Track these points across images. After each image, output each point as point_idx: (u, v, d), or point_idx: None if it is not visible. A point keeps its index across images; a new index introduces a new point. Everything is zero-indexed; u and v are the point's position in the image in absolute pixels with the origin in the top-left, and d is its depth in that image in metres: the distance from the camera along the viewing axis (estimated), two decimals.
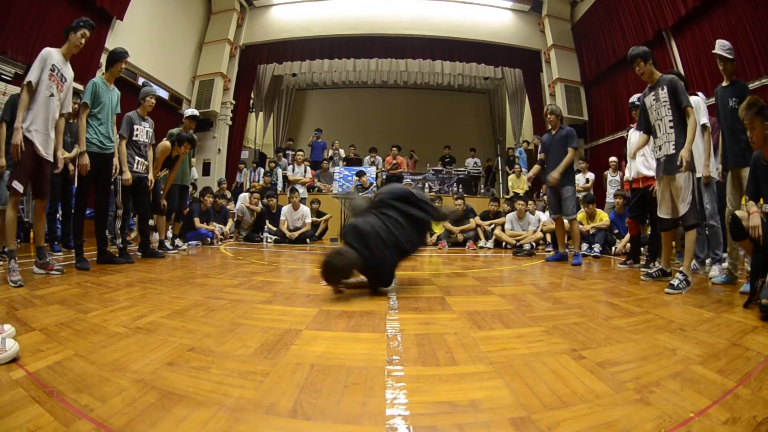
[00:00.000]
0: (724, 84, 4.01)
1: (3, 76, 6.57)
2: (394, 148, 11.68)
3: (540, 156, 5.92)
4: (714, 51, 3.99)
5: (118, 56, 4.30)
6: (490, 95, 17.08)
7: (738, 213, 3.12)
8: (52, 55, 3.49)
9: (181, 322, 2.25)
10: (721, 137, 4.10)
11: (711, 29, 7.58)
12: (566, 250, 5.83)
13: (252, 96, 13.59)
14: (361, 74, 15.57)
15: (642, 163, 4.99)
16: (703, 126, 4.32)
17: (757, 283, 2.75)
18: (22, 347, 1.70)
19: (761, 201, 3.04)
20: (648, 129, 4.00)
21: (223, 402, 1.33)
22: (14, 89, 5.75)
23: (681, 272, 3.47)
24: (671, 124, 3.67)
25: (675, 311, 2.77)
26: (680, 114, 3.65)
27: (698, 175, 4.26)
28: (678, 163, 3.54)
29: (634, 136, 5.26)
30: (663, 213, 3.86)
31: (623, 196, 6.65)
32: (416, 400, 1.38)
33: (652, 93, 3.83)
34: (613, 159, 8.38)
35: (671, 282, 3.44)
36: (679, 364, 1.74)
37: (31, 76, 3.36)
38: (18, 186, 3.29)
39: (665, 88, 3.71)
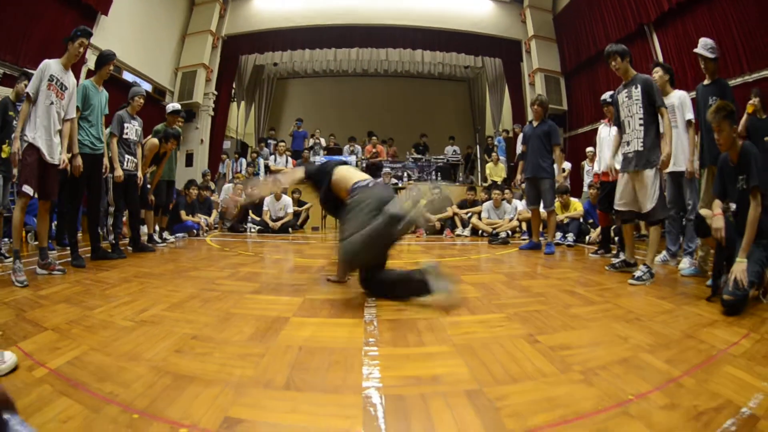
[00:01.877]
0: (705, 82, 4.12)
1: None
2: (374, 137, 11.88)
3: (522, 148, 6.01)
4: (695, 50, 4.10)
5: (105, 59, 4.42)
6: (470, 84, 17.26)
7: (702, 211, 3.26)
8: (50, 66, 3.63)
9: (181, 314, 2.45)
10: (700, 135, 4.19)
11: (694, 25, 7.69)
12: (540, 239, 6.04)
13: (234, 86, 13.60)
14: (342, 63, 15.64)
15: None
16: (689, 122, 4.36)
17: (719, 282, 2.87)
18: (37, 347, 1.87)
19: (726, 201, 3.13)
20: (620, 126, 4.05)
21: (228, 380, 1.57)
22: (2, 90, 5.76)
23: (645, 264, 3.58)
24: (641, 121, 3.73)
25: (636, 302, 2.89)
26: (652, 113, 3.72)
27: (681, 169, 4.35)
28: (650, 160, 3.68)
29: (603, 132, 5.43)
30: (621, 206, 3.95)
31: (597, 187, 6.85)
32: (388, 375, 1.64)
33: (626, 90, 3.87)
34: (590, 149, 8.49)
35: (634, 273, 3.56)
36: (628, 352, 1.89)
37: (30, 89, 3.53)
38: (28, 189, 3.44)
39: (639, 86, 3.76)
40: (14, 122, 4.42)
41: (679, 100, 4.41)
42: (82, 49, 3.82)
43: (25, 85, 4.43)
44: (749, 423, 1.30)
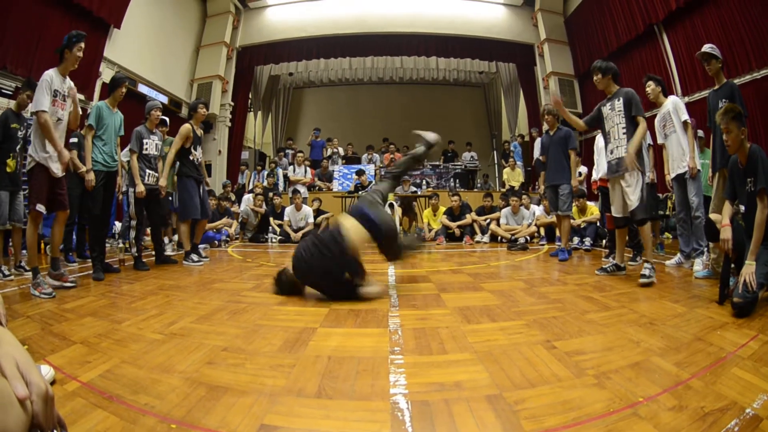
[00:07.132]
0: (715, 87, 4.25)
1: (3, 91, 6.63)
2: (392, 146, 12.01)
3: (541, 158, 6.14)
4: (697, 54, 4.25)
5: (118, 82, 4.52)
6: (485, 89, 17.32)
7: (712, 216, 3.34)
8: (54, 80, 3.55)
9: (210, 326, 2.54)
10: (713, 139, 4.28)
11: (703, 24, 7.77)
12: (557, 244, 6.00)
13: (250, 96, 13.80)
14: (357, 72, 15.77)
15: None
16: (685, 123, 4.54)
17: (726, 289, 2.90)
18: (67, 361, 1.90)
19: (736, 203, 3.21)
20: (592, 124, 4.38)
21: (261, 390, 1.65)
22: (11, 103, 5.80)
23: (647, 262, 3.74)
24: (624, 130, 3.98)
25: (649, 306, 2.95)
26: (633, 122, 3.94)
27: (684, 170, 4.52)
28: (621, 164, 3.90)
29: (601, 142, 5.56)
30: (615, 212, 4.17)
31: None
32: (413, 382, 1.72)
33: (609, 103, 4.13)
34: None
35: (642, 273, 3.68)
36: (639, 356, 1.95)
37: (44, 105, 3.42)
38: (41, 208, 3.49)
39: (621, 99, 4.00)
40: (18, 134, 4.42)
41: (673, 105, 4.64)
42: (80, 54, 3.71)
43: (28, 96, 4.38)
44: (752, 423, 1.35)
